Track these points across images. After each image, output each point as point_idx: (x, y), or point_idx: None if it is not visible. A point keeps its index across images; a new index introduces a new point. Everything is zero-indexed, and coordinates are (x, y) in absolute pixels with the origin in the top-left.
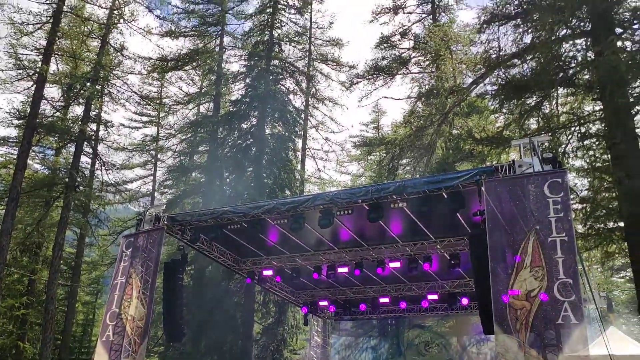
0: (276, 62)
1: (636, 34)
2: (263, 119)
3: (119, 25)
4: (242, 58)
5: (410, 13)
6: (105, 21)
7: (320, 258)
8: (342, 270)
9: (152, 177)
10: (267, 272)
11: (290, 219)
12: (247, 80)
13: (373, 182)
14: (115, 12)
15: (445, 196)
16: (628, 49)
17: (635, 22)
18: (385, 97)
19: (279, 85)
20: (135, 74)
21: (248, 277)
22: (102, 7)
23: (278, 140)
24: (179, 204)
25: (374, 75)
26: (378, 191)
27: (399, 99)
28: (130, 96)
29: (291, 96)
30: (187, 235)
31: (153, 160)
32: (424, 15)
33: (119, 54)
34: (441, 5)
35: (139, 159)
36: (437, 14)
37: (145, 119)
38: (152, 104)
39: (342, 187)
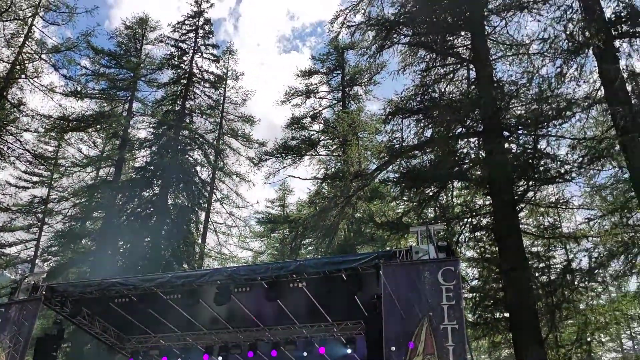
0: (186, 132)
1: (520, 138)
2: (166, 189)
3: (19, 80)
4: (151, 125)
5: (322, 98)
6: (4, 75)
7: (213, 338)
8: (235, 351)
9: (35, 242)
10: (154, 352)
11: (185, 294)
12: (154, 148)
13: (275, 260)
14: (18, 67)
15: (345, 278)
16: (514, 151)
17: (519, 127)
18: (292, 176)
19: (187, 156)
20: (31, 131)
21: (132, 357)
22: (3, 62)
23: (180, 212)
24: (63, 272)
25: (283, 154)
26: (278, 269)
27: (305, 179)
28: (22, 154)
29: (198, 168)
30: (67, 308)
31: (39, 223)
32: (334, 102)
33: (15, 109)
34: (351, 93)
35: (22, 221)
36: (347, 102)
37: (35, 179)
38: (45, 164)
39: (243, 264)
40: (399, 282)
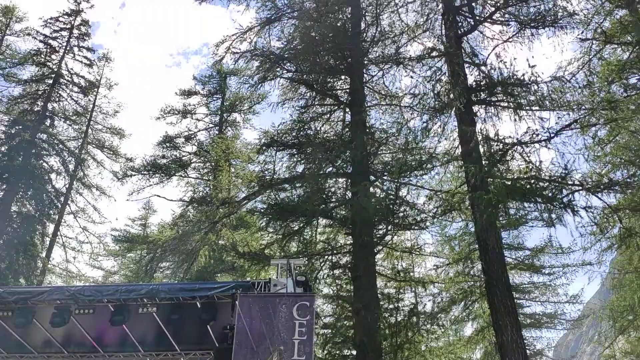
0: (44, 136)
1: (384, 183)
2: (12, 194)
3: None
4: (3, 123)
5: (199, 120)
6: None
7: None
8: None
9: None
10: None
11: (17, 312)
12: (3, 149)
13: (127, 282)
14: None
15: (199, 306)
16: (377, 195)
17: (385, 173)
18: (158, 196)
19: (41, 162)
20: None
21: None
22: None
23: (25, 221)
24: None
25: (151, 172)
26: (128, 292)
27: (171, 200)
28: None
29: (53, 175)
30: None
31: None
32: (211, 125)
33: None
34: (229, 119)
35: None
36: (224, 127)
37: None
38: None
39: (91, 283)
40: (254, 313)
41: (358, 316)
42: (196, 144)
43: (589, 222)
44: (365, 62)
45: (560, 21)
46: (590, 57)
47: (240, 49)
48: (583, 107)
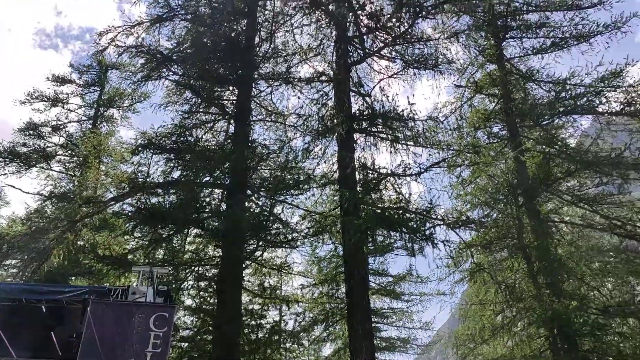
0: None
1: (260, 199)
2: None
3: None
4: None
5: (71, 110)
6: None
7: None
8: None
9: None
10: None
11: None
12: None
13: None
14: None
15: (45, 310)
16: (252, 210)
17: (262, 189)
18: (12, 186)
19: None
20: None
21: None
22: None
23: None
24: None
25: (7, 160)
26: None
27: (28, 192)
28: None
29: None
30: None
31: None
32: (84, 118)
33: None
34: (106, 115)
35: None
36: (99, 122)
37: None
38: None
39: None
40: (106, 322)
41: (219, 331)
42: (64, 135)
43: (446, 255)
44: (256, 76)
45: (440, 66)
46: (462, 103)
47: (125, 43)
48: (452, 148)
